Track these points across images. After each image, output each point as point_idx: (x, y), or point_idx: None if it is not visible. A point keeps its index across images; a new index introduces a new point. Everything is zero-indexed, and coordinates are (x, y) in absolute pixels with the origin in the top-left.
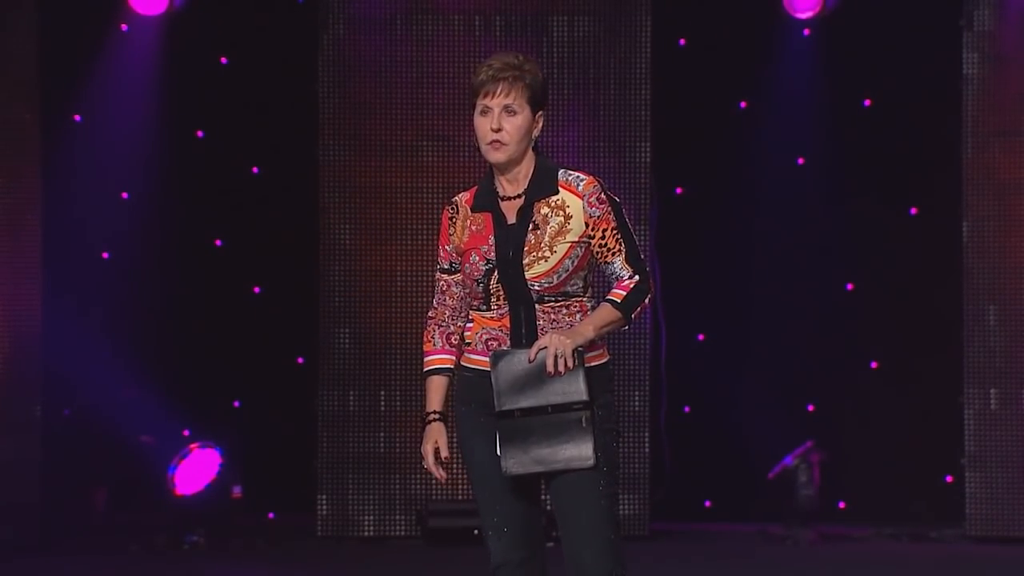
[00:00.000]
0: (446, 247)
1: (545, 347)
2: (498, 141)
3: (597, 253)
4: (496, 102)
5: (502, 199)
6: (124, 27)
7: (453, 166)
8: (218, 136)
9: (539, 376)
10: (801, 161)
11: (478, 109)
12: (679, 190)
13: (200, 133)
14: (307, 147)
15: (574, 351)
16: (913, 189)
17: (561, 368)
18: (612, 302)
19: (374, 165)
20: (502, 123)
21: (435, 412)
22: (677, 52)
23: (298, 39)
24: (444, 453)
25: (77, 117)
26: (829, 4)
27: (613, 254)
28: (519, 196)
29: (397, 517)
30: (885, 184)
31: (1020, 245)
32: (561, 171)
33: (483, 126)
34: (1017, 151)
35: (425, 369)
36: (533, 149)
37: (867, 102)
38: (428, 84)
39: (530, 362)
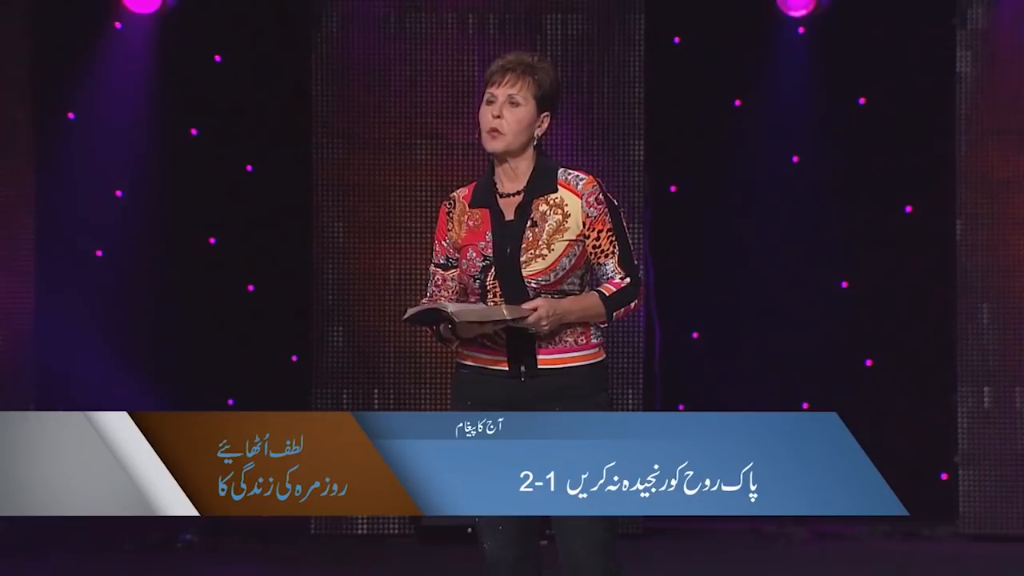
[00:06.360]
0: (443, 242)
1: (535, 310)
2: (496, 130)
3: (591, 254)
4: (501, 91)
5: (501, 196)
6: (117, 25)
7: (446, 165)
8: (212, 134)
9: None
10: (796, 159)
11: (484, 98)
12: (673, 188)
13: (194, 131)
14: (300, 145)
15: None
16: (907, 187)
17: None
18: (600, 293)
19: (367, 163)
20: (503, 112)
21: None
22: (671, 50)
23: (291, 37)
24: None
25: (70, 115)
26: (823, 2)
27: (606, 256)
28: (518, 193)
29: (391, 515)
30: (879, 182)
31: (1013, 243)
32: (561, 170)
33: (485, 114)
34: (1011, 149)
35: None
36: (536, 148)
37: (861, 100)
38: (421, 82)
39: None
